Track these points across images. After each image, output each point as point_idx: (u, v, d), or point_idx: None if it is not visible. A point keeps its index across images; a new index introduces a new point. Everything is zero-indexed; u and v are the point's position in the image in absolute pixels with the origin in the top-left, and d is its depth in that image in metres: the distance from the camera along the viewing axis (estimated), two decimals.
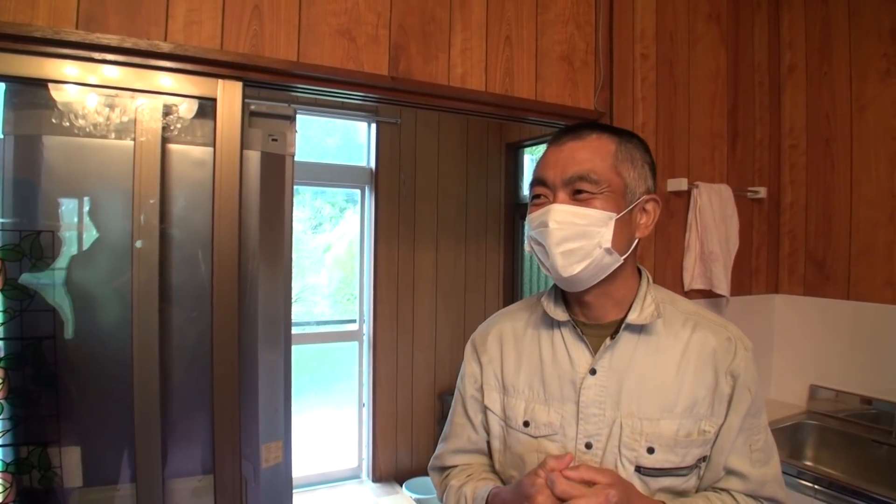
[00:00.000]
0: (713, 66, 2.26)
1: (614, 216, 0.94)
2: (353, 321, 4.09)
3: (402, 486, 3.89)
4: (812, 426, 2.22)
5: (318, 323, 4.07)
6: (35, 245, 1.35)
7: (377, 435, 4.00)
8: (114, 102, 1.38)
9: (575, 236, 0.94)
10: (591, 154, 0.96)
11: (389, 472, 4.05)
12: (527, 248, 1.03)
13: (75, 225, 1.39)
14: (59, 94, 1.35)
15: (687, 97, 2.18)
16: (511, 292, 4.25)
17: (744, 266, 2.37)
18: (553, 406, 1.00)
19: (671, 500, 0.95)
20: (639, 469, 0.94)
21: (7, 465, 1.37)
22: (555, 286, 1.06)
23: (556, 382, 1.01)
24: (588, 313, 1.02)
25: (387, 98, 1.62)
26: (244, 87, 1.42)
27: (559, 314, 1.03)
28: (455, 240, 4.11)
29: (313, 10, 1.48)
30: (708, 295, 2.21)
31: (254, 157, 1.51)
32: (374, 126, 3.73)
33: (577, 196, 0.94)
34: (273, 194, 1.57)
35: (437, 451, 1.17)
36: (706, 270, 2.16)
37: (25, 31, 1.23)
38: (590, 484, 0.85)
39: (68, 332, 1.38)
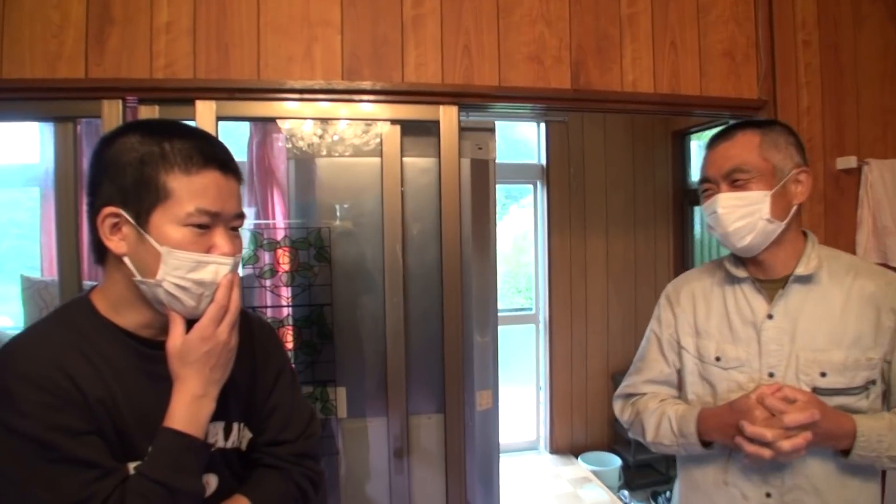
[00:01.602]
0: (881, 44, 2.29)
1: (768, 193, 1.20)
2: (524, 309, 4.44)
3: (577, 458, 4.18)
4: None
5: None
6: (317, 237, 1.85)
7: (554, 411, 4.28)
8: (365, 129, 1.84)
9: (740, 216, 1.21)
10: (739, 150, 1.23)
11: (565, 446, 4.32)
12: (707, 230, 1.31)
13: (342, 222, 1.88)
14: (328, 126, 1.84)
15: (854, 77, 2.25)
16: None
17: None
18: (740, 345, 1.27)
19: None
20: (814, 390, 1.18)
21: None
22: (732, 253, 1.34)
23: (741, 326, 1.28)
24: (762, 270, 1.27)
25: (570, 107, 1.96)
26: (459, 109, 1.84)
27: (739, 272, 1.30)
28: (624, 228, 4.28)
29: (509, 43, 1.86)
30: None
31: (465, 163, 1.91)
32: (542, 125, 4.04)
33: (735, 184, 1.22)
34: (480, 194, 1.96)
35: (626, 382, 1.46)
36: (880, 244, 2.23)
37: (309, 85, 1.73)
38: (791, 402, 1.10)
39: (341, 300, 1.88)
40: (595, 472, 3.95)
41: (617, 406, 1.48)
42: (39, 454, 0.79)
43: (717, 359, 1.29)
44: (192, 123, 1.65)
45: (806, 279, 1.23)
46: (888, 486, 2.24)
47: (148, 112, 1.69)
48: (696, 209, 4.22)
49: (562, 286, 4.19)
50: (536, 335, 4.34)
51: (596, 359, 4.31)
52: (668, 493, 3.76)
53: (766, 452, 1.08)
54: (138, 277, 0.89)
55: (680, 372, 1.38)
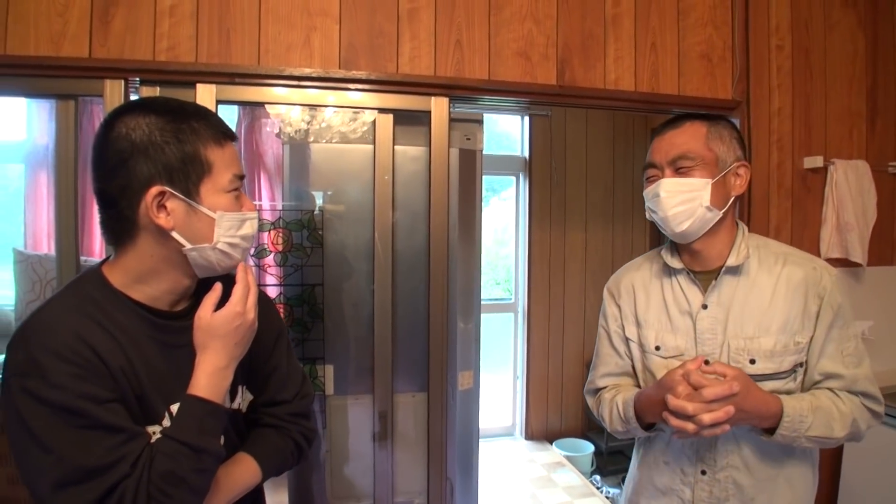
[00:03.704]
0: (850, 49, 2.42)
1: (710, 181, 1.25)
2: (503, 299, 4.54)
3: (552, 444, 4.30)
4: None
5: None
6: (310, 220, 1.93)
7: (530, 398, 4.39)
8: (358, 117, 1.92)
9: (681, 201, 1.26)
10: (686, 138, 1.28)
11: (540, 432, 4.43)
12: (647, 215, 1.36)
13: (334, 205, 1.95)
14: (319, 113, 1.91)
15: (823, 81, 2.38)
16: None
17: (885, 238, 2.51)
18: (679, 334, 1.33)
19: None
20: None
21: None
22: (670, 242, 1.39)
23: (678, 316, 1.33)
24: (697, 261, 1.33)
25: (554, 102, 2.05)
26: (450, 101, 1.92)
27: (675, 263, 1.35)
28: (603, 221, 4.39)
29: (499, 39, 1.95)
30: (845, 263, 2.38)
31: (454, 153, 1.99)
32: (526, 119, 4.14)
33: (679, 171, 1.27)
34: (467, 183, 2.04)
35: (589, 378, 1.53)
36: (842, 240, 2.36)
37: (307, 73, 1.80)
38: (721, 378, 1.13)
39: (332, 280, 1.95)
40: (568, 458, 4.07)
41: (589, 402, 1.54)
42: (71, 422, 0.84)
43: (657, 348, 1.35)
44: None
45: (736, 270, 1.29)
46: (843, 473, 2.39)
47: (149, 93, 1.73)
48: None
49: (541, 276, 4.29)
50: (515, 324, 4.44)
51: (572, 348, 4.42)
52: None
53: (689, 426, 1.11)
54: (189, 246, 0.96)
55: (632, 361, 1.44)
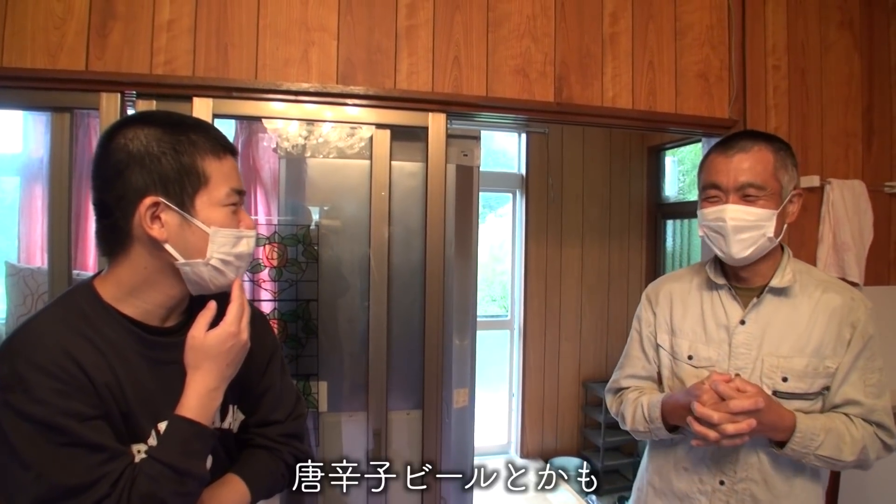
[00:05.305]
0: (846, 70, 2.44)
1: (775, 212, 1.26)
2: (499, 316, 4.52)
3: (547, 462, 4.26)
4: None
5: None
6: (305, 235, 1.91)
7: (525, 416, 4.35)
8: (355, 132, 1.91)
9: (746, 228, 1.25)
10: (754, 164, 1.26)
11: (536, 451, 4.38)
12: (700, 233, 1.36)
13: (330, 220, 1.94)
14: (316, 127, 1.91)
15: (819, 101, 2.39)
16: None
17: (881, 257, 2.51)
18: (712, 345, 1.36)
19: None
20: (775, 393, 1.27)
21: None
22: (715, 258, 1.40)
23: (714, 329, 1.36)
24: (740, 279, 1.36)
25: (552, 119, 2.06)
26: (447, 117, 1.92)
27: (719, 279, 1.38)
28: (599, 238, 4.38)
29: (497, 56, 1.96)
30: None
31: (451, 169, 1.99)
32: (523, 136, 4.14)
33: (746, 198, 1.26)
34: (464, 199, 2.04)
35: (613, 377, 1.56)
36: (839, 259, 2.36)
37: (304, 88, 1.79)
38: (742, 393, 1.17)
39: (327, 296, 1.93)
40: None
41: (608, 399, 1.58)
42: (52, 439, 0.82)
43: (690, 357, 1.38)
44: None
45: (779, 291, 1.32)
46: (842, 486, 2.37)
47: (145, 106, 1.73)
48: (669, 222, 4.35)
49: (537, 293, 4.27)
50: (510, 341, 4.41)
51: (568, 365, 4.39)
52: None
53: (712, 434, 1.15)
54: (182, 261, 0.94)
55: (658, 367, 1.47)
